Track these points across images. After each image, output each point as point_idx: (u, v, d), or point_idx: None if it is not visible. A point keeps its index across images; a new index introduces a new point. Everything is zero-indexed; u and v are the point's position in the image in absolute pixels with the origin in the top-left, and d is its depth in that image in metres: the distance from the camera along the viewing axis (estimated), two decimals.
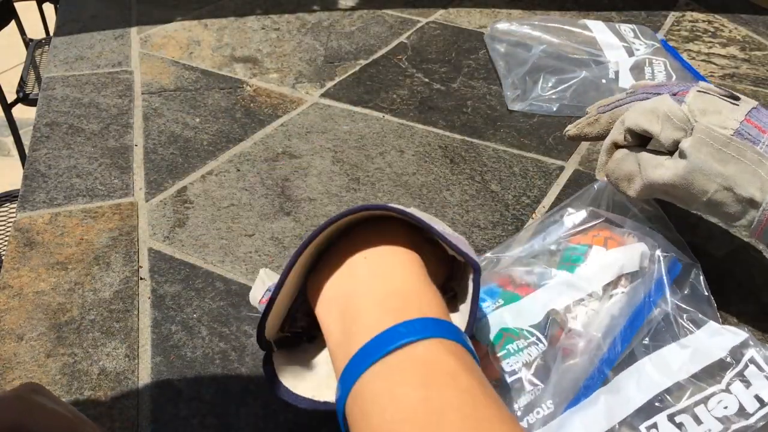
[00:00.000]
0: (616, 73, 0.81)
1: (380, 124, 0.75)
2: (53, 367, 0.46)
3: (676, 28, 1.03)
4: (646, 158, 0.47)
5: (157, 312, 0.50)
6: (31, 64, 1.87)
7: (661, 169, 0.45)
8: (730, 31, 1.02)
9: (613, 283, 0.44)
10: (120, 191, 0.63)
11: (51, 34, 1.70)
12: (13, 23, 1.81)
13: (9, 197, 1.37)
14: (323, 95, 0.81)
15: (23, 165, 0.84)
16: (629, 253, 0.45)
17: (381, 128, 0.74)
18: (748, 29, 1.03)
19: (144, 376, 0.45)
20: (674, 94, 0.47)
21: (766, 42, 0.99)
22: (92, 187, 0.63)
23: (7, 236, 1.28)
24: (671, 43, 0.95)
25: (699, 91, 0.46)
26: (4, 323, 0.49)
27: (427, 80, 0.85)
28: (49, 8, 2.09)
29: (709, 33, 1.01)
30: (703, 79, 0.84)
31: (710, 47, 0.96)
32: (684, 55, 0.92)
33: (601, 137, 0.52)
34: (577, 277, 0.44)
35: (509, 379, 0.40)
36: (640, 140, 0.48)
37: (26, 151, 0.73)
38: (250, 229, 0.59)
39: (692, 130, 0.44)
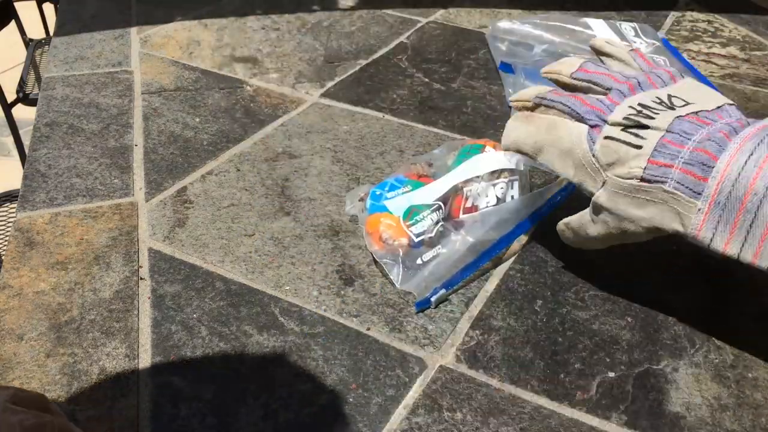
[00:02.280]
0: None
1: (380, 124, 0.75)
2: (53, 367, 0.46)
3: (676, 27, 1.03)
4: (576, 221, 0.51)
5: (157, 312, 0.50)
6: (31, 64, 1.87)
7: (594, 226, 0.49)
8: (730, 31, 1.02)
9: (498, 172, 0.57)
10: (120, 191, 0.63)
11: (51, 34, 1.70)
12: (13, 23, 1.81)
13: (9, 197, 1.37)
14: (323, 95, 0.81)
15: (23, 165, 0.84)
16: (511, 156, 0.55)
17: (381, 128, 0.74)
18: (748, 29, 1.03)
19: (144, 376, 0.45)
20: (593, 128, 0.47)
21: (766, 42, 0.99)
22: (92, 187, 0.63)
23: (7, 236, 1.28)
24: (671, 43, 0.95)
25: (606, 137, 0.46)
26: (4, 323, 0.49)
27: (427, 80, 0.85)
28: (49, 8, 2.09)
29: (709, 33, 1.01)
30: (703, 78, 0.84)
31: (710, 47, 0.96)
32: (684, 55, 0.92)
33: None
34: (473, 161, 0.57)
35: (417, 240, 0.54)
36: None
37: (26, 151, 0.73)
38: (250, 229, 0.59)
39: (604, 183, 0.46)
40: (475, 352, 0.48)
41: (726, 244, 0.42)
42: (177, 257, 0.56)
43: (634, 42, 0.91)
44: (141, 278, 0.53)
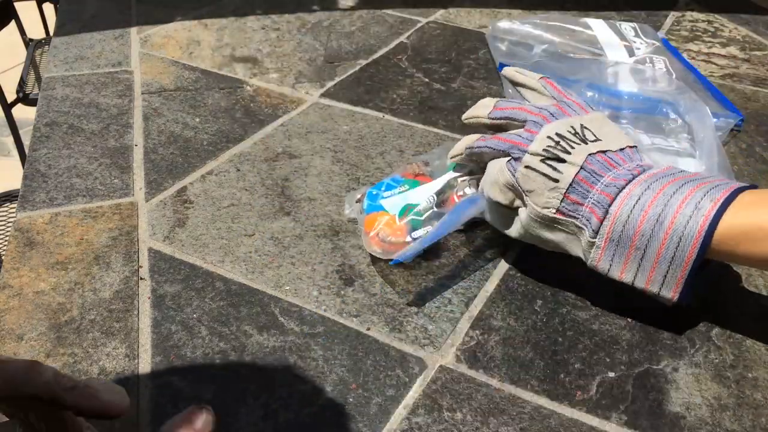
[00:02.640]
0: (616, 74, 0.81)
1: (380, 124, 0.75)
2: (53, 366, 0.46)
3: (676, 27, 1.03)
4: (501, 215, 0.54)
5: (157, 312, 0.50)
6: (31, 64, 1.87)
7: (516, 229, 0.53)
8: (730, 31, 1.02)
9: None
10: (120, 191, 0.63)
11: (51, 34, 1.70)
12: (13, 23, 1.81)
13: (9, 197, 1.37)
14: (323, 95, 0.81)
15: (23, 165, 0.84)
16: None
17: (381, 128, 0.74)
18: (748, 29, 1.03)
19: (144, 376, 0.45)
20: (516, 159, 0.51)
21: (766, 42, 0.99)
22: (92, 187, 0.63)
23: (7, 236, 1.28)
24: (671, 43, 0.95)
25: (526, 167, 0.49)
26: (4, 323, 0.49)
27: (427, 80, 0.85)
28: (49, 8, 2.09)
29: (709, 33, 1.01)
30: (703, 79, 0.84)
31: (710, 47, 0.96)
32: (684, 55, 0.92)
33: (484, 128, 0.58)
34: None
35: (414, 236, 0.54)
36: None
37: (26, 151, 0.73)
38: (250, 229, 0.59)
39: (525, 208, 0.51)
40: (475, 352, 0.48)
41: (621, 273, 0.47)
42: (177, 257, 0.56)
43: (634, 42, 0.91)
44: (141, 278, 0.53)
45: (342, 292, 0.53)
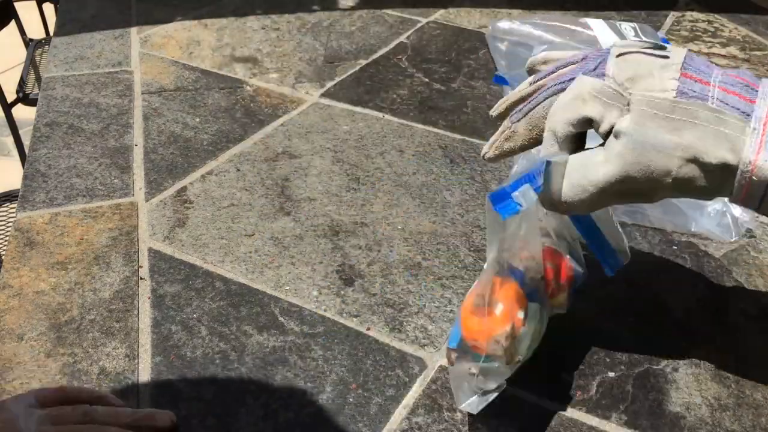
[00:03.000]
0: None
1: (380, 124, 0.75)
2: (53, 367, 0.46)
3: (676, 27, 1.02)
4: (577, 162, 0.39)
5: (157, 312, 0.50)
6: (31, 64, 1.87)
7: (604, 166, 0.38)
8: (730, 31, 1.02)
9: None
10: (120, 191, 0.63)
11: (51, 34, 1.70)
12: (13, 23, 1.81)
13: (9, 197, 1.37)
14: (323, 95, 0.81)
15: (23, 165, 0.84)
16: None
17: (381, 128, 0.74)
18: (748, 29, 1.03)
19: (144, 376, 0.45)
20: (593, 71, 0.40)
21: (766, 42, 0.99)
22: (92, 187, 0.63)
23: (7, 236, 1.27)
24: (672, 43, 0.95)
25: (618, 55, 0.39)
26: (4, 323, 0.49)
27: (427, 80, 0.85)
28: (49, 8, 2.09)
29: (709, 33, 1.01)
30: None
31: (710, 47, 0.96)
32: None
33: (526, 148, 0.45)
34: None
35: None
36: (576, 147, 0.41)
37: (26, 151, 0.72)
38: (250, 229, 0.59)
39: (628, 104, 0.37)
40: None
41: None
42: (177, 257, 0.56)
43: None
44: (141, 278, 0.53)
45: (342, 292, 0.53)
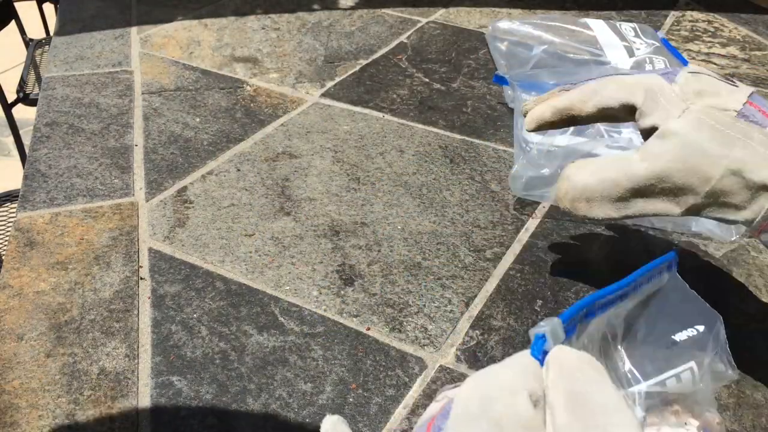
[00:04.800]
0: (616, 72, 0.81)
1: (380, 124, 0.75)
2: (53, 367, 0.46)
3: (676, 27, 1.02)
4: (609, 159, 0.39)
5: (157, 312, 0.50)
6: (31, 64, 1.87)
7: (642, 163, 0.37)
8: (730, 31, 1.02)
9: None
10: (120, 191, 0.63)
11: (51, 34, 1.70)
12: (13, 23, 1.81)
13: (9, 197, 1.37)
14: (323, 95, 0.81)
15: (23, 165, 0.84)
16: None
17: (381, 128, 0.74)
18: (748, 29, 1.03)
19: (144, 376, 0.45)
20: (663, 75, 0.41)
21: (766, 42, 0.99)
22: (92, 187, 0.63)
23: (7, 236, 1.27)
24: (671, 43, 0.95)
25: (691, 72, 0.40)
26: (4, 323, 0.49)
27: (427, 80, 0.85)
28: (49, 8, 2.09)
29: (709, 33, 1.01)
30: None
31: (710, 47, 0.96)
32: (684, 55, 0.92)
33: (569, 116, 0.43)
34: None
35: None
36: (599, 118, 0.42)
37: (26, 151, 0.72)
38: (250, 229, 0.59)
39: (685, 111, 0.38)
40: (475, 352, 0.48)
41: None
42: (177, 257, 0.56)
43: (634, 42, 0.91)
44: (141, 278, 0.53)
45: (342, 292, 0.53)
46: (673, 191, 0.38)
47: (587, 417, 0.25)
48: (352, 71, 0.86)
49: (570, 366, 0.26)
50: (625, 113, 0.40)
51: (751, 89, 0.40)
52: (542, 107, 0.44)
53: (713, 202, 0.38)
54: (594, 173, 0.39)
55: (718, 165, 0.36)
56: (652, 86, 0.39)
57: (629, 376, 0.38)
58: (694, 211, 0.38)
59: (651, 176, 0.37)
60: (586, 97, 0.41)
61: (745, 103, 0.38)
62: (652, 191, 0.38)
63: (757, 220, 0.37)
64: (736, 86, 0.40)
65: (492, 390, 0.26)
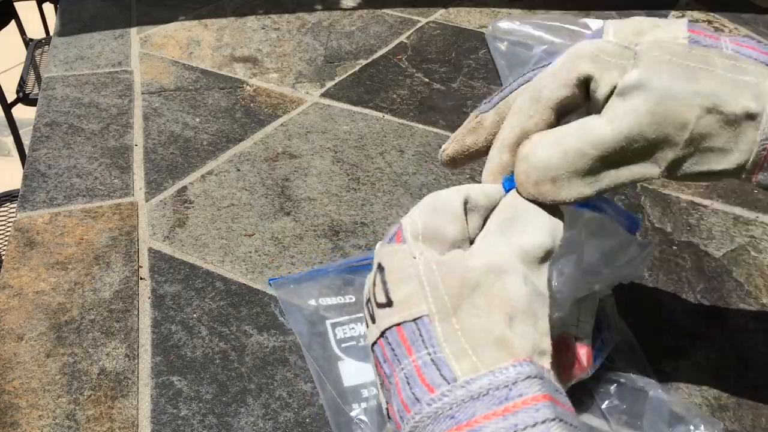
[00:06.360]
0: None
1: (380, 124, 0.75)
2: (53, 367, 0.46)
3: None
4: (570, 128, 0.33)
5: (157, 312, 0.50)
6: (31, 64, 1.87)
7: (608, 126, 0.32)
8: (730, 31, 1.02)
9: None
10: (120, 191, 0.63)
11: (51, 34, 1.70)
12: (13, 23, 1.81)
13: (9, 197, 1.37)
14: (323, 95, 0.81)
15: (23, 165, 0.84)
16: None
17: (381, 128, 0.74)
18: (748, 29, 1.03)
19: (144, 376, 0.45)
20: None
21: (766, 42, 0.99)
22: (92, 187, 0.63)
23: (7, 236, 1.27)
24: None
25: (615, 21, 0.35)
26: (4, 323, 0.49)
27: (427, 80, 0.85)
28: (49, 8, 2.09)
29: None
30: None
31: None
32: None
33: (487, 148, 0.39)
34: None
35: None
36: (558, 120, 0.36)
37: (26, 151, 0.73)
38: (250, 229, 0.59)
39: (635, 57, 0.33)
40: None
41: None
42: (177, 257, 0.56)
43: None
44: (141, 278, 0.53)
45: (342, 292, 0.52)
46: (647, 150, 0.32)
47: (510, 226, 0.32)
48: (352, 71, 0.86)
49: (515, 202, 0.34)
50: (582, 96, 0.35)
51: (683, 20, 0.36)
52: (493, 153, 0.39)
53: (695, 150, 0.32)
54: (554, 145, 0.33)
55: (691, 105, 0.31)
56: (592, 52, 0.34)
57: None
58: (675, 167, 0.33)
59: (620, 138, 0.32)
60: (530, 110, 0.35)
61: (688, 31, 0.34)
62: (624, 156, 0.33)
63: (750, 160, 0.32)
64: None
65: (447, 190, 0.35)
